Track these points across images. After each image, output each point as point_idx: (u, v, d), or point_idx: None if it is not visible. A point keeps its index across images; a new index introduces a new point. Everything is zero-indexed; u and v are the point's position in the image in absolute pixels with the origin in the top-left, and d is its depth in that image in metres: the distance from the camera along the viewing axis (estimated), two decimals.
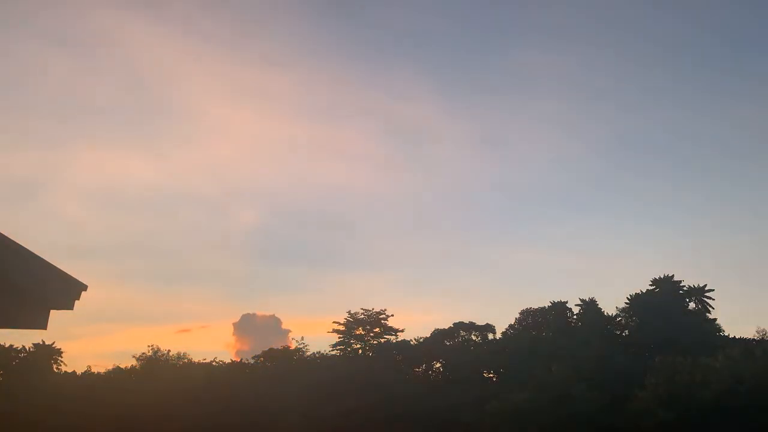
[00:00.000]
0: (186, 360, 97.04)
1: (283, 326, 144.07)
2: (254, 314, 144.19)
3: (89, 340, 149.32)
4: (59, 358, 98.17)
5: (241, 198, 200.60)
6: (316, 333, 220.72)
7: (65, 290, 7.06)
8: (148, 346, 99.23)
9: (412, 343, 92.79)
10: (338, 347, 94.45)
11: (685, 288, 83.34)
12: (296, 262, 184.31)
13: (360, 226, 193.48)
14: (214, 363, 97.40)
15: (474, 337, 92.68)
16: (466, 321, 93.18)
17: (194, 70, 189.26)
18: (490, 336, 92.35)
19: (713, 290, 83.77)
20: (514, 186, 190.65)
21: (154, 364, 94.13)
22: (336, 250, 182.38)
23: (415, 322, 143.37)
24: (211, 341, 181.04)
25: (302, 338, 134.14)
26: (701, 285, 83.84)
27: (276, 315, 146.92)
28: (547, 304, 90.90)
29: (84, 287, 7.20)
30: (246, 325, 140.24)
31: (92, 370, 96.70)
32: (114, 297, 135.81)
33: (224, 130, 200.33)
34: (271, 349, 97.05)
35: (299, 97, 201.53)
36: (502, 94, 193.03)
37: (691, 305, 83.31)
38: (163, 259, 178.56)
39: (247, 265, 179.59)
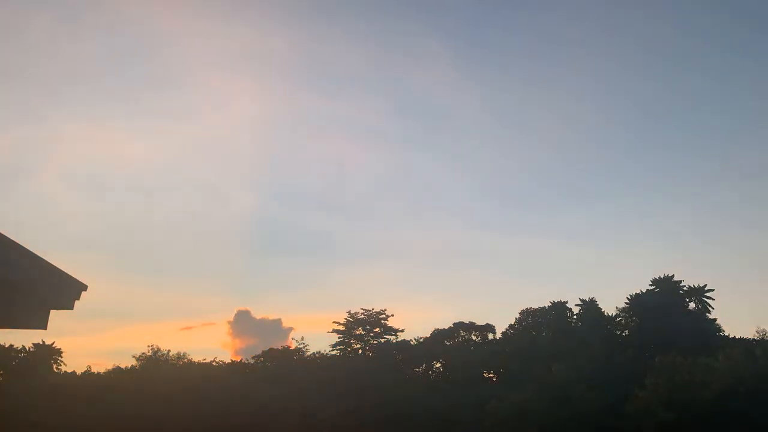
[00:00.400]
0: (186, 360, 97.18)
1: (282, 321, 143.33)
2: (249, 311, 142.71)
3: (87, 337, 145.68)
4: (59, 358, 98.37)
5: (239, 181, 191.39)
6: (314, 329, 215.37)
7: (65, 290, 7.07)
8: (148, 346, 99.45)
9: (412, 343, 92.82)
10: (338, 347, 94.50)
11: (685, 288, 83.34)
12: (296, 255, 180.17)
13: (363, 213, 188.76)
14: (214, 363, 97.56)
15: (474, 337, 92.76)
16: (466, 321, 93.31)
17: (189, 33, 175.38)
18: (490, 336, 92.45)
19: (713, 290, 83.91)
20: (520, 175, 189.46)
21: (154, 364, 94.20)
22: (337, 240, 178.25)
23: (416, 316, 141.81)
24: (213, 339, 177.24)
25: (302, 338, 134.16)
26: (701, 285, 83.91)
27: (275, 314, 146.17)
28: (547, 304, 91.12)
29: (84, 287, 7.21)
30: (242, 323, 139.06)
31: (92, 370, 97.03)
32: (109, 291, 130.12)
33: (221, 103, 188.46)
34: (271, 349, 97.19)
35: (305, 65, 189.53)
36: (516, 69, 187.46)
37: (691, 305, 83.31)
38: (157, 250, 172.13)
39: (245, 258, 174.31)
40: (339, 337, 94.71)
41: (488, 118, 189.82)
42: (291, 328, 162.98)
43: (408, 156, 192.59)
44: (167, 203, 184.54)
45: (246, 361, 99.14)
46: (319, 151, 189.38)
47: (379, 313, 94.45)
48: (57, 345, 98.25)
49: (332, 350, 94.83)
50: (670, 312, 78.67)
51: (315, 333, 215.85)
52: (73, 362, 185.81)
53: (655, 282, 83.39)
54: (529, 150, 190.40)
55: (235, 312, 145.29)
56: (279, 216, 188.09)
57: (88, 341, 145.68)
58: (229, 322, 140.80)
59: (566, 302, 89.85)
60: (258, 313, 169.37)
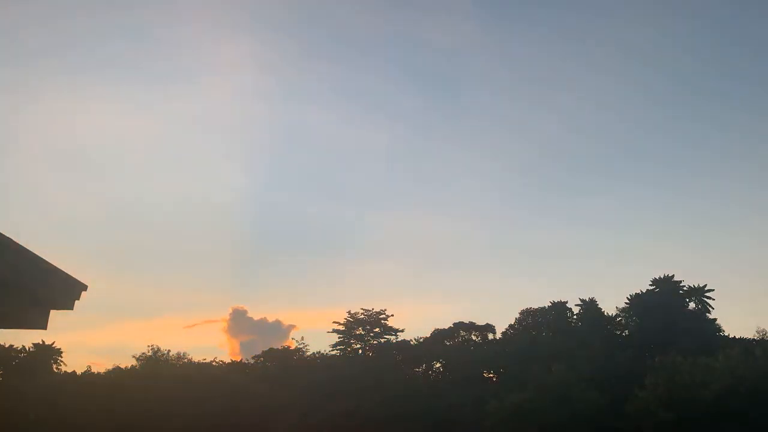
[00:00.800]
0: (186, 360, 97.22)
1: (279, 319, 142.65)
2: (246, 310, 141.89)
3: (83, 334, 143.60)
4: (59, 357, 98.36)
5: (234, 161, 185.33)
6: (312, 325, 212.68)
7: (66, 290, 7.06)
8: (148, 345, 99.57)
9: (412, 343, 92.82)
10: (338, 347, 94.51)
11: (685, 288, 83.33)
12: (294, 252, 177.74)
13: (365, 204, 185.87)
14: (214, 363, 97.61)
15: (474, 337, 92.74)
16: (466, 321, 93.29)
17: None
18: (490, 336, 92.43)
19: (713, 290, 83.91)
20: (520, 174, 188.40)
21: (154, 363, 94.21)
22: (336, 239, 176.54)
23: (416, 316, 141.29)
24: (213, 338, 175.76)
25: (302, 338, 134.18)
26: (701, 285, 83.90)
27: (272, 311, 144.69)
28: (547, 304, 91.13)
29: (84, 287, 7.20)
30: (238, 323, 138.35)
31: (92, 370, 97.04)
32: (102, 285, 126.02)
33: (215, 70, 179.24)
34: (271, 349, 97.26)
35: (307, 28, 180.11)
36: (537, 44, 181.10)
37: (691, 305, 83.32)
38: (153, 244, 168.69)
39: (244, 256, 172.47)
40: (339, 337, 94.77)
41: (489, 115, 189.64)
42: (292, 326, 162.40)
43: (410, 152, 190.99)
44: (158, 189, 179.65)
45: (246, 361, 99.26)
46: (320, 138, 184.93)
47: (379, 313, 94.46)
48: (56, 343, 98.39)
49: (332, 350, 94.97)
50: (670, 312, 78.66)
51: (313, 330, 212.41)
52: (71, 359, 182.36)
53: (655, 282, 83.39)
54: (530, 149, 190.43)
55: (231, 311, 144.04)
56: (278, 212, 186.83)
57: (85, 338, 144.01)
58: (225, 321, 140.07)
59: (566, 302, 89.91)
60: (255, 310, 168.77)
